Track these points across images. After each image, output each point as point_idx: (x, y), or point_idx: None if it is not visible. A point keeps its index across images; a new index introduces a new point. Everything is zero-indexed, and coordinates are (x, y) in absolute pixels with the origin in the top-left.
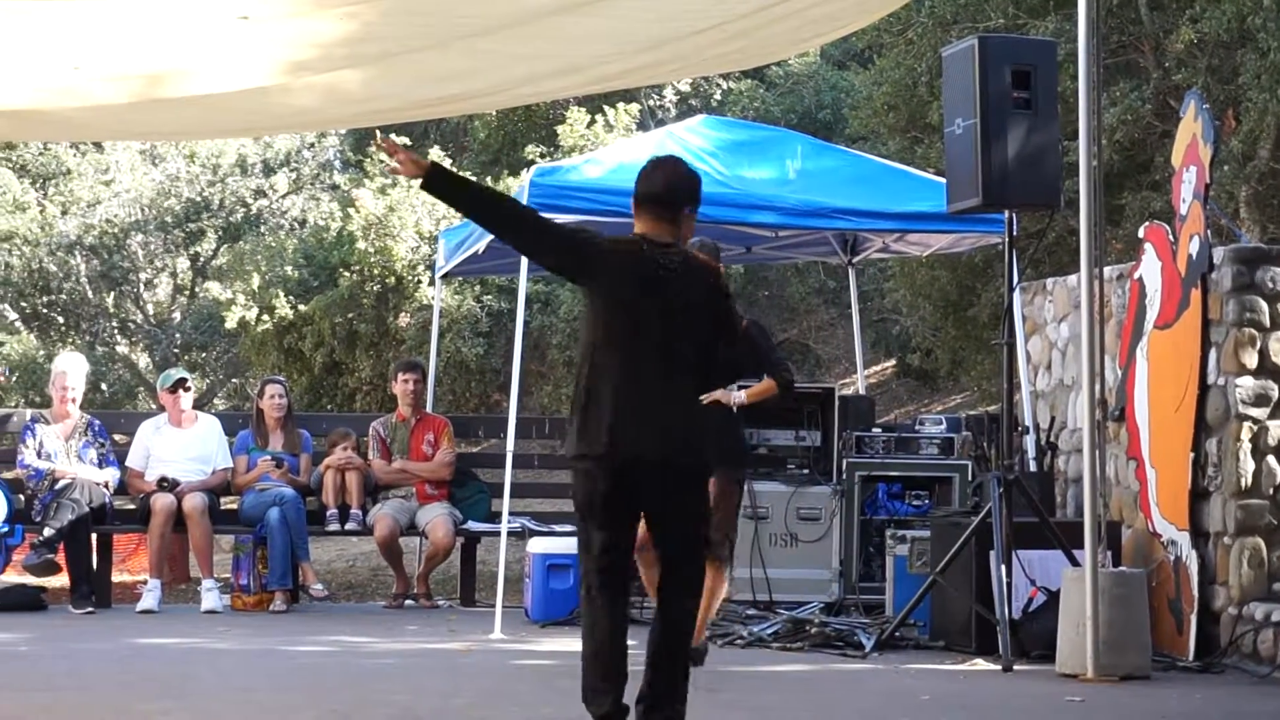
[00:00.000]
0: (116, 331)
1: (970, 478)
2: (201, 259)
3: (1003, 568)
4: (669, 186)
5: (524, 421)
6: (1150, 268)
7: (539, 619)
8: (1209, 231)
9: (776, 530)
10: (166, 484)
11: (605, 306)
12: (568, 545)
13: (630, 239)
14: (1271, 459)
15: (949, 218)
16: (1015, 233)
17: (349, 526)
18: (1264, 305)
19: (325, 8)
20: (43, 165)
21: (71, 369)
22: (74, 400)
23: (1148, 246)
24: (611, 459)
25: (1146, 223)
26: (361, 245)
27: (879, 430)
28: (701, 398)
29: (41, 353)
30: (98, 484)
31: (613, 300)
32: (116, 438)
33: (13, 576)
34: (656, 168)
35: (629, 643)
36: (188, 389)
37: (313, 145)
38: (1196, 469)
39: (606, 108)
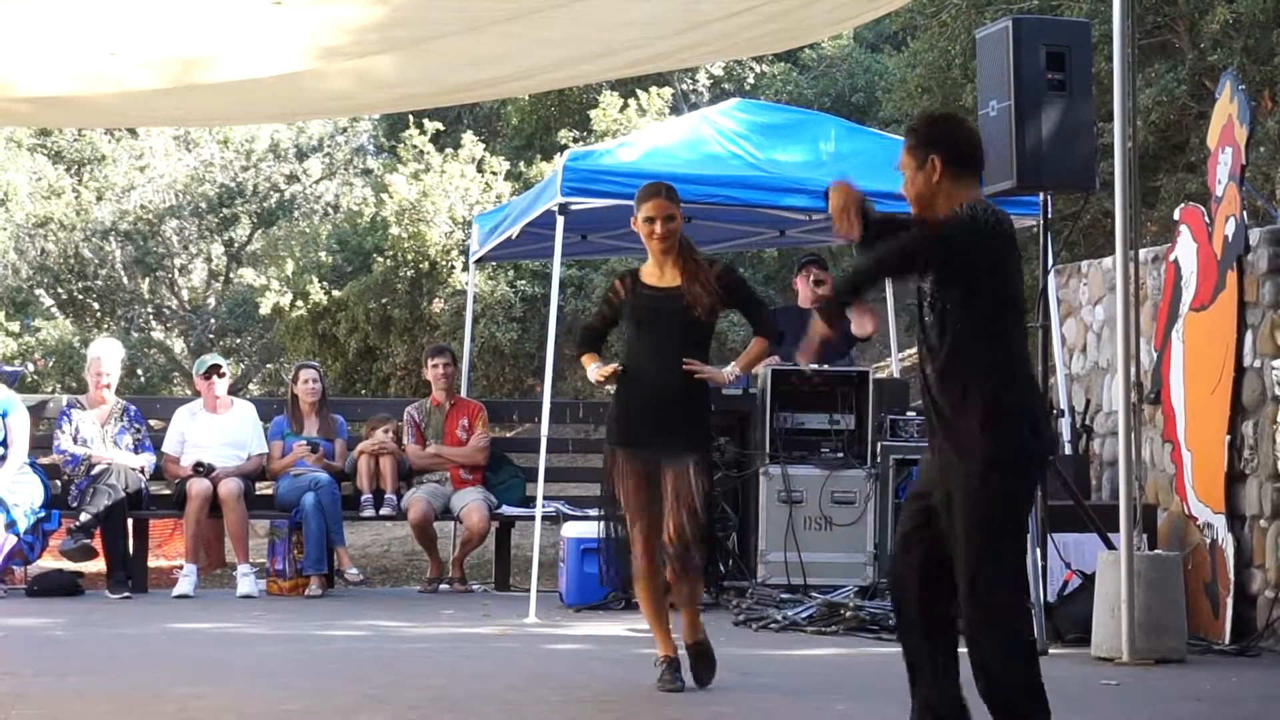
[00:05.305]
0: (152, 317)
1: None
2: (236, 244)
3: (1038, 551)
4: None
5: (558, 406)
6: (1186, 250)
7: (574, 603)
8: (1245, 213)
9: (811, 514)
10: (202, 469)
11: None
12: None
13: None
14: None
15: None
16: (1050, 215)
17: (383, 511)
18: None
19: None
20: (77, 151)
21: (107, 355)
22: (109, 386)
23: (1183, 228)
24: None
25: (1182, 204)
26: (395, 230)
27: (913, 413)
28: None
29: (77, 338)
30: (133, 469)
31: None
32: (152, 423)
33: (49, 561)
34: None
35: None
36: (221, 375)
37: (345, 130)
38: (1232, 451)
39: (639, 91)
